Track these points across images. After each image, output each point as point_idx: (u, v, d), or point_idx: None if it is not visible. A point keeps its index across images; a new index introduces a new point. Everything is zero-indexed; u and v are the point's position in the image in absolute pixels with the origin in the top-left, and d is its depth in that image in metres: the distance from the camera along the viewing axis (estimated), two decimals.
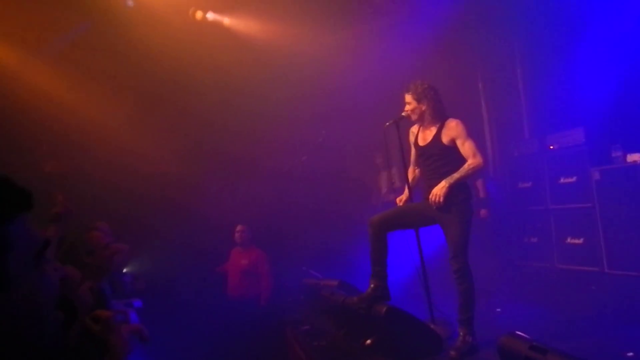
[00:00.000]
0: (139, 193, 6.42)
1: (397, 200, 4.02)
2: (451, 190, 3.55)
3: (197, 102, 6.57)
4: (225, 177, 6.80)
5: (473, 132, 3.73)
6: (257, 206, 6.77)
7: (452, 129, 3.69)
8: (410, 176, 4.01)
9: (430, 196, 3.60)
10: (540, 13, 6.50)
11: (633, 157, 5.22)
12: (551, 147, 6.19)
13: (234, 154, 6.80)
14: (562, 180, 6.02)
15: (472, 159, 3.59)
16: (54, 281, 1.54)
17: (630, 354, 3.07)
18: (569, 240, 5.92)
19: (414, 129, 3.96)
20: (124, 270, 5.89)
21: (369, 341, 3.85)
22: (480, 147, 3.68)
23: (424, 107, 3.77)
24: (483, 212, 6.66)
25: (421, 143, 3.86)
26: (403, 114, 3.83)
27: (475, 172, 3.64)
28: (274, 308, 6.00)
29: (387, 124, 3.90)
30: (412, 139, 3.98)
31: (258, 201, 6.80)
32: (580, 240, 5.77)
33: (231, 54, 6.53)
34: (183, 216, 6.71)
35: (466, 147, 3.62)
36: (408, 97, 3.80)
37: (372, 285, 3.73)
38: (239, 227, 6.41)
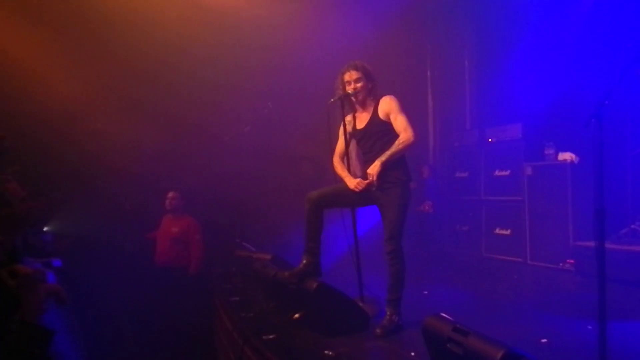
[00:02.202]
0: (72, 149, 6.07)
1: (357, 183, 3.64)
2: (384, 167, 3.52)
3: (140, 58, 6.20)
4: (163, 141, 6.50)
5: (410, 111, 3.65)
6: (194, 173, 6.54)
7: (386, 104, 3.66)
8: (341, 166, 3.85)
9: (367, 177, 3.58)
10: (493, 11, 6.65)
11: (564, 156, 5.47)
12: (490, 140, 6.38)
13: (174, 117, 6.50)
14: (497, 172, 6.22)
15: (403, 133, 3.56)
16: None
17: (544, 340, 3.25)
18: (497, 230, 6.16)
19: (349, 117, 3.88)
20: (45, 229, 5.59)
21: (297, 315, 3.85)
22: (413, 122, 3.61)
23: (370, 85, 3.72)
24: (427, 205, 6.85)
25: (359, 126, 3.80)
26: (349, 91, 3.74)
27: (407, 147, 3.57)
28: (204, 278, 5.88)
29: (332, 100, 3.82)
30: (347, 128, 3.85)
31: (195, 168, 6.58)
32: (508, 232, 6.02)
33: (181, 11, 6.22)
34: (116, 178, 6.41)
35: (398, 122, 3.60)
36: (356, 74, 3.70)
37: (304, 261, 3.70)
38: (170, 194, 6.15)
